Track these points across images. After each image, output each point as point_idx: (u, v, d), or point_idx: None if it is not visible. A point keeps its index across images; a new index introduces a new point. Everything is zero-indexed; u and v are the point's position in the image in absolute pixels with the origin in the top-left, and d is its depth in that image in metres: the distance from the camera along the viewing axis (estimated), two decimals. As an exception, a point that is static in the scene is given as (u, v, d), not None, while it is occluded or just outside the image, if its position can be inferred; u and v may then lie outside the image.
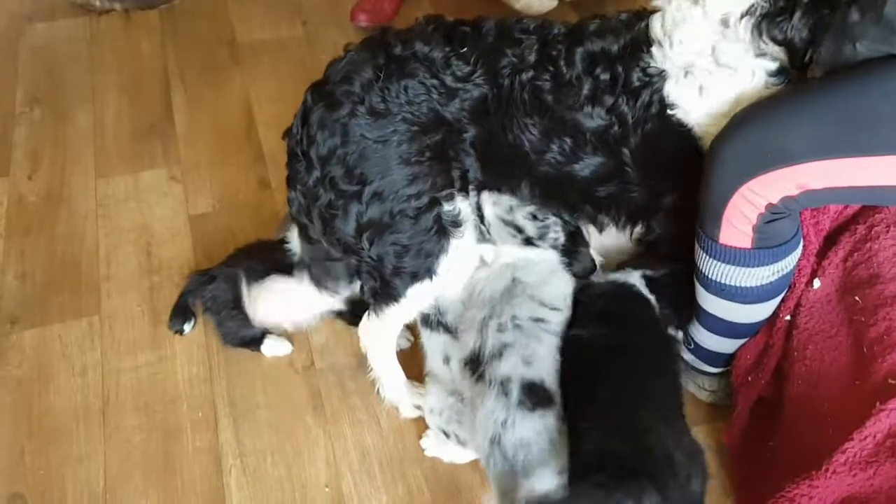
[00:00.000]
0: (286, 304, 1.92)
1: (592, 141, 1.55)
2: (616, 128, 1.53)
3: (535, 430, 1.45)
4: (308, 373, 1.94)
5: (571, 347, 1.57)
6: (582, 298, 1.65)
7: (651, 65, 1.49)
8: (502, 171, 1.65)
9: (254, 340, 1.96)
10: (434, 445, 1.78)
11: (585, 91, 1.51)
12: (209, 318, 2.00)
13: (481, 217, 1.69)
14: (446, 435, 1.72)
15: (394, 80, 1.52)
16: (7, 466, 1.77)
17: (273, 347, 1.96)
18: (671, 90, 1.48)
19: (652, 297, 1.65)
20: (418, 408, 1.81)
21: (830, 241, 1.73)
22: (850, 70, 1.31)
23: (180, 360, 1.97)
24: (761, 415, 1.69)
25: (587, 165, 1.58)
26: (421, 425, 1.81)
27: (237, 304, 1.94)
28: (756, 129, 1.36)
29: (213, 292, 1.96)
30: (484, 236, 1.70)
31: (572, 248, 1.70)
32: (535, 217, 1.67)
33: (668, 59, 1.48)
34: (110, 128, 2.60)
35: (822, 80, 1.35)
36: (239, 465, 1.78)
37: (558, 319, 1.61)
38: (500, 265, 1.67)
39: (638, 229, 1.69)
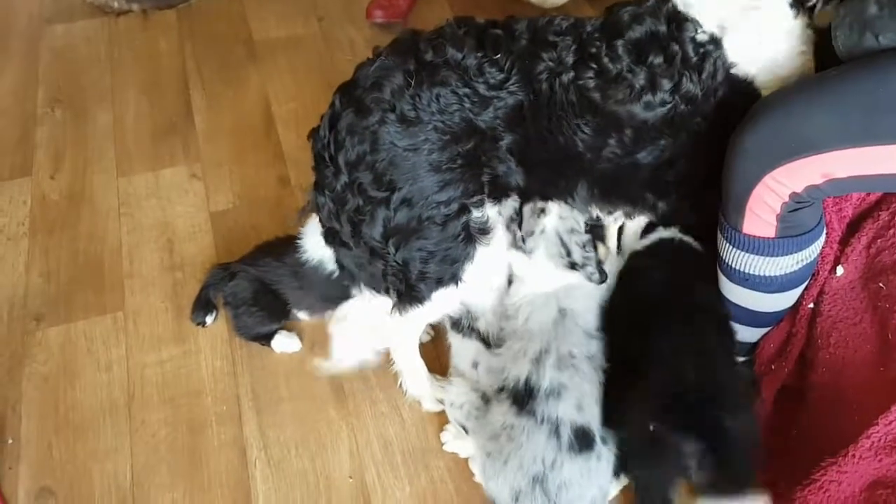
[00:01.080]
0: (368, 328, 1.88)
1: (656, 126, 1.50)
2: (683, 107, 1.48)
3: (580, 472, 1.48)
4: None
5: (633, 285, 1.64)
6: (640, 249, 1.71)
7: (699, 31, 1.46)
8: (551, 176, 1.61)
9: (267, 336, 1.98)
10: (453, 440, 1.79)
11: (640, 81, 1.46)
12: (227, 311, 2.02)
13: (518, 222, 1.68)
14: (465, 430, 1.73)
15: (425, 87, 1.48)
16: (36, 461, 1.80)
17: (283, 343, 1.97)
18: (727, 47, 1.46)
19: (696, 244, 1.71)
20: (441, 401, 1.82)
21: (853, 227, 1.73)
22: (872, 57, 1.30)
23: (204, 354, 1.99)
24: (784, 403, 1.68)
25: (651, 152, 1.54)
26: (443, 417, 1.82)
27: (256, 302, 1.95)
28: (779, 117, 1.35)
29: (233, 289, 1.98)
30: (519, 243, 1.68)
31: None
32: (584, 247, 1.67)
33: (704, 22, 1.45)
34: (131, 127, 2.62)
35: (845, 68, 1.34)
36: (263, 457, 1.80)
37: (599, 350, 1.62)
38: (543, 294, 1.64)
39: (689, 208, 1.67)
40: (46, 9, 3.10)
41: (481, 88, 1.50)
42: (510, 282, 1.67)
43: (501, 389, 1.58)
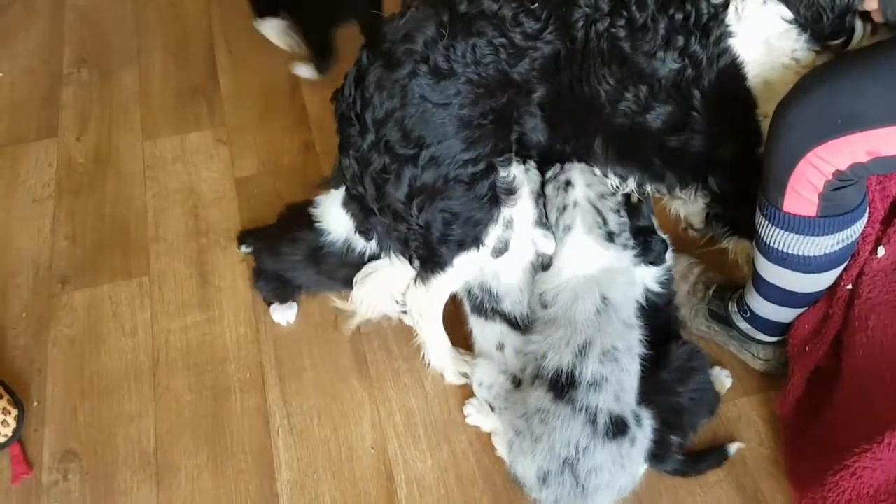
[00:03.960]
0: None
1: (666, 87, 1.46)
2: (689, 70, 1.44)
3: (611, 459, 1.47)
4: (353, 336, 1.94)
5: None
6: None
7: None
8: (574, 130, 1.58)
9: (268, 301, 1.99)
10: (476, 413, 1.77)
11: (661, 32, 1.42)
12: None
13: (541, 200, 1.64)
14: (492, 408, 1.72)
15: (460, 38, 1.44)
16: (60, 424, 1.81)
17: (278, 314, 1.97)
18: (730, 19, 1.41)
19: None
20: (464, 375, 1.81)
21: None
22: None
23: (228, 321, 1.99)
24: (816, 386, 1.65)
25: (658, 115, 1.50)
26: (466, 390, 1.81)
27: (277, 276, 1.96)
28: (824, 92, 1.29)
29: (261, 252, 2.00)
30: (549, 222, 1.64)
31: (645, 240, 1.67)
32: (618, 211, 1.62)
33: None
34: (156, 89, 2.60)
35: (893, 42, 1.29)
36: (286, 425, 1.80)
37: (639, 339, 1.60)
38: (584, 277, 1.58)
39: (701, 189, 1.63)
40: (72, -33, 3.07)
41: (518, 38, 1.45)
42: (545, 267, 1.63)
43: (538, 377, 1.55)
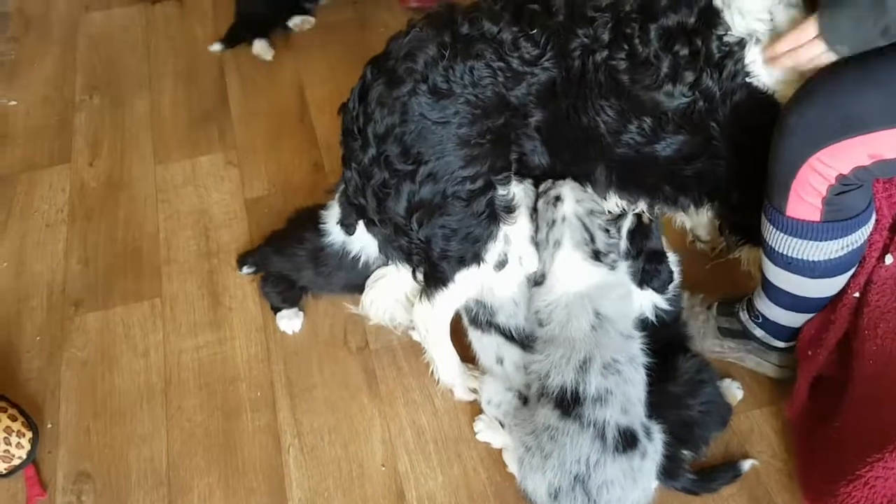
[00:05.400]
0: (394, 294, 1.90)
1: (675, 119, 1.47)
2: (701, 103, 1.44)
3: (622, 471, 1.46)
4: (363, 353, 1.95)
5: None
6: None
7: (728, 33, 1.41)
8: (573, 157, 1.59)
9: (276, 308, 2.02)
10: (486, 430, 1.77)
11: (665, 69, 1.42)
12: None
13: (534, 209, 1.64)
14: (502, 424, 1.71)
15: (459, 60, 1.46)
16: (74, 445, 1.83)
17: (285, 322, 2.00)
18: (749, 57, 1.41)
19: None
20: (473, 391, 1.81)
21: (904, 215, 1.66)
22: None
23: (239, 341, 2.00)
24: (826, 395, 1.64)
25: (669, 144, 1.50)
26: (475, 406, 1.81)
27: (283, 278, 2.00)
28: (825, 96, 1.30)
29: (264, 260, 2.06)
30: (542, 233, 1.63)
31: (655, 267, 1.67)
32: (607, 231, 1.62)
33: (736, 27, 1.40)
34: (167, 114, 2.64)
35: (890, 46, 1.28)
36: (297, 444, 1.80)
37: (640, 348, 1.60)
38: (575, 295, 1.58)
39: (716, 206, 1.63)
40: (84, -4, 3.13)
41: (515, 63, 1.47)
42: (538, 283, 1.63)
43: (543, 395, 1.55)
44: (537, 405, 1.56)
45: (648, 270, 1.67)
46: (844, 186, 1.35)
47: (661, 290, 1.68)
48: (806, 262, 1.47)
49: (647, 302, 1.71)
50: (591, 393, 1.49)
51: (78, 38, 2.95)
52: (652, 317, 1.71)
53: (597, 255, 1.59)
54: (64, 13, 3.07)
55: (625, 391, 1.51)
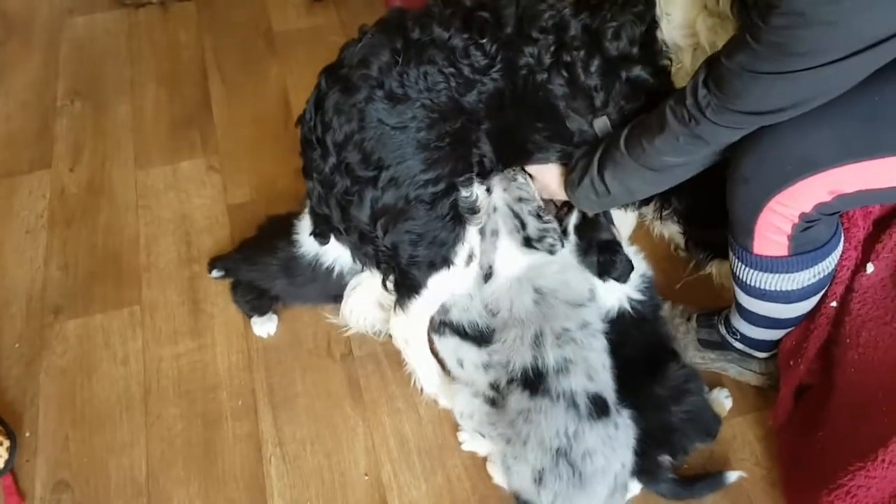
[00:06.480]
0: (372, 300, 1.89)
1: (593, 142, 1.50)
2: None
3: (601, 439, 1.47)
4: (346, 361, 1.94)
5: None
6: None
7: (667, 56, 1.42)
8: (519, 164, 1.63)
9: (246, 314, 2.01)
10: (470, 440, 1.76)
11: (600, 100, 1.46)
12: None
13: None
14: (482, 435, 1.70)
15: (412, 65, 1.46)
16: (52, 454, 1.80)
17: (258, 327, 1.99)
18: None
19: None
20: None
21: (882, 224, 1.67)
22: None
23: (220, 348, 1.98)
24: (809, 404, 1.64)
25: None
26: (460, 414, 1.80)
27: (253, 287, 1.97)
28: (773, 141, 1.28)
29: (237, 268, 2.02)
30: (485, 225, 1.65)
31: (609, 257, 1.66)
32: (539, 216, 1.63)
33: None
34: (149, 119, 2.61)
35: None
36: (279, 453, 1.78)
37: (596, 315, 1.61)
38: (510, 279, 1.61)
39: (666, 208, 1.66)
40: (68, 1, 3.10)
41: (466, 70, 1.47)
42: (488, 275, 1.65)
43: (511, 381, 1.56)
44: (508, 395, 1.56)
45: (603, 262, 1.66)
46: (808, 223, 1.35)
47: (622, 279, 1.67)
48: (780, 292, 1.48)
49: (620, 293, 1.70)
50: (552, 364, 1.51)
51: (61, 42, 2.92)
52: (628, 307, 1.70)
53: (528, 241, 1.62)
54: (47, 18, 3.04)
55: (585, 357, 1.53)
